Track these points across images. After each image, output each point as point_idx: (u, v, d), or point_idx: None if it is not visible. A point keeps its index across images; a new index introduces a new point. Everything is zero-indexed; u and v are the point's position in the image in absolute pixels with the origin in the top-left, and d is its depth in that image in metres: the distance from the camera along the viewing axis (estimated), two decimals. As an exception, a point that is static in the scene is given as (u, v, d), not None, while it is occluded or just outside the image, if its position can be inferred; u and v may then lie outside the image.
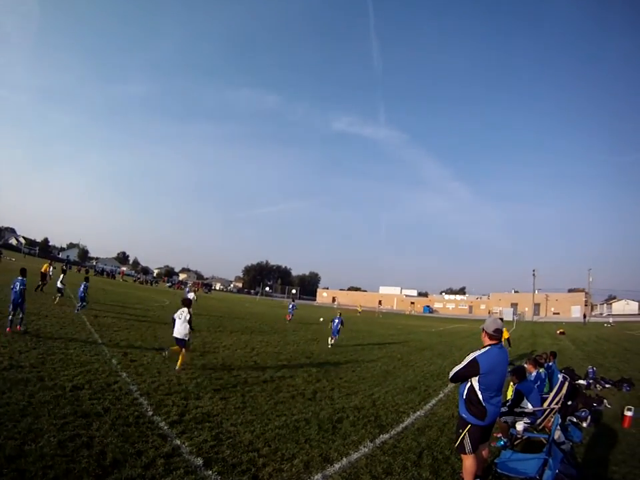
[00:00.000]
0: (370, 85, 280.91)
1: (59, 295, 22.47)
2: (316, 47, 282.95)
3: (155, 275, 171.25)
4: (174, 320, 11.42)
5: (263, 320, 31.88)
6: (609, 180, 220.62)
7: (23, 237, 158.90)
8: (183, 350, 11.19)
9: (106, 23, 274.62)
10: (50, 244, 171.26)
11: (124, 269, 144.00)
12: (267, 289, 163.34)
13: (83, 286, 20.55)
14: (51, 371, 8.83)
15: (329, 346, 19.03)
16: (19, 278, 13.55)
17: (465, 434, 5.12)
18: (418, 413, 9.08)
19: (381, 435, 7.31)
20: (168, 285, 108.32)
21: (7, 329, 12.53)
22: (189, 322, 11.36)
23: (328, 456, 6.13)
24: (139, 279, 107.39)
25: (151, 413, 7.10)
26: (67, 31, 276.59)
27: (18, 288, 13.37)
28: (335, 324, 20.26)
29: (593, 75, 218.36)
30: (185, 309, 11.57)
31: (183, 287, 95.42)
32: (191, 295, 26.94)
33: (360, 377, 12.56)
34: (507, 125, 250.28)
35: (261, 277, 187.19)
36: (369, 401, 9.72)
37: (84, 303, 20.20)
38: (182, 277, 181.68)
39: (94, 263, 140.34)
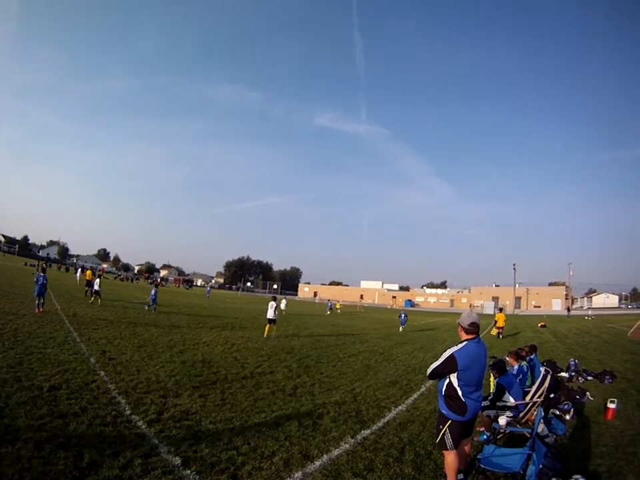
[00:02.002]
0: (352, 80, 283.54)
1: (97, 296, 26.57)
2: (297, 42, 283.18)
3: (136, 271, 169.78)
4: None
5: (244, 316, 31.83)
6: (588, 177, 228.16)
7: (2, 235, 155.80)
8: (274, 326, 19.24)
9: (84, 19, 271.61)
10: (30, 242, 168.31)
11: (104, 266, 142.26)
12: (249, 284, 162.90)
13: (153, 291, 26.47)
14: (29, 371, 8.71)
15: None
16: (41, 274, 18.74)
17: (445, 430, 5.11)
18: (400, 407, 9.09)
19: (362, 431, 7.30)
20: (149, 281, 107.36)
21: (36, 310, 17.68)
22: (275, 309, 19.93)
23: (308, 453, 6.11)
24: (119, 275, 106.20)
25: (128, 412, 7.04)
26: (45, 29, 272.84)
27: (41, 282, 18.28)
28: (403, 317, 31.53)
29: (576, 74, 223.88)
30: (274, 303, 19.92)
31: (164, 283, 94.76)
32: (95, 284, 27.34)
33: (341, 371, 12.59)
34: (488, 123, 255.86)
35: (242, 272, 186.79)
36: (350, 396, 9.73)
37: (155, 305, 26.14)
38: (163, 273, 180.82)
39: (74, 261, 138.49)
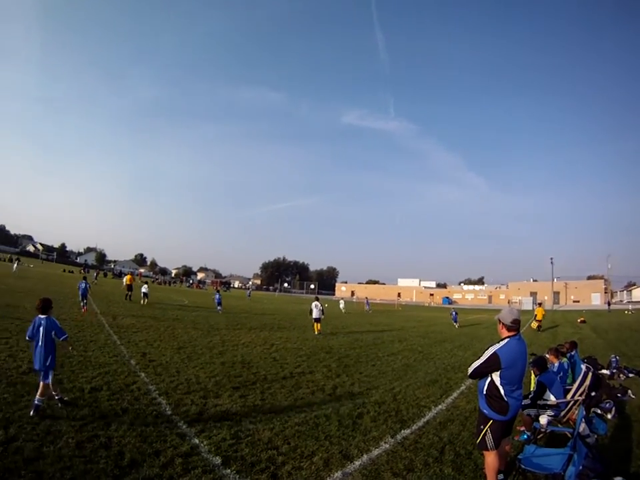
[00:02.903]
0: (377, 77, 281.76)
1: (146, 298, 30.01)
2: (318, 41, 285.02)
3: (173, 275, 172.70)
4: (311, 310, 22.08)
5: (282, 316, 32.06)
6: (625, 166, 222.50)
7: (40, 244, 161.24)
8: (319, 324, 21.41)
9: (110, 32, 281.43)
10: (67, 249, 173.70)
11: (142, 270, 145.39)
12: (285, 285, 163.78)
13: (217, 295, 31.10)
14: (70, 373, 9.01)
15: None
16: (83, 281, 22.72)
17: (486, 430, 5.02)
18: (439, 406, 8.99)
19: (402, 430, 7.25)
20: (186, 284, 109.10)
21: (83, 310, 20.58)
22: (322, 311, 22.22)
23: (348, 453, 6.10)
24: (157, 279, 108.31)
25: (169, 412, 7.19)
26: (71, 44, 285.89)
27: (84, 286, 22.24)
28: (454, 314, 33.97)
29: (600, 67, 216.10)
30: (318, 303, 22.21)
31: (201, 286, 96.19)
32: (144, 288, 30.83)
33: (380, 371, 12.52)
34: (519, 114, 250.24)
35: (279, 273, 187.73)
36: (389, 395, 9.67)
37: (220, 307, 30.46)
38: (200, 276, 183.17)
39: (112, 266, 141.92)
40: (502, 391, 4.94)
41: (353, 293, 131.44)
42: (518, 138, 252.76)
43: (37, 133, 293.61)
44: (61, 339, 7.10)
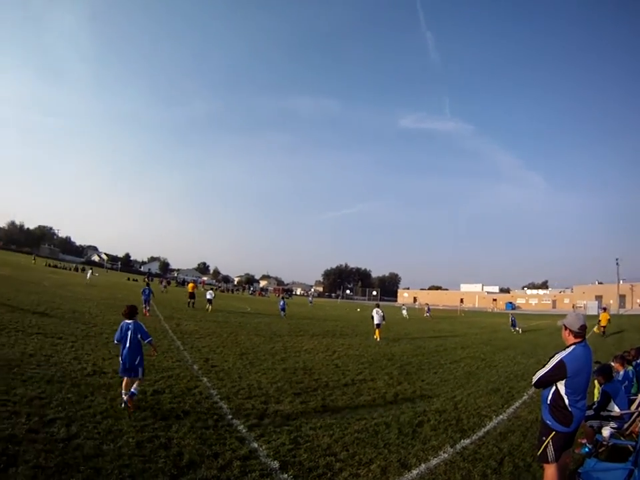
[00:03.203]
0: (430, 78, 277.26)
1: (210, 304, 31.23)
2: (368, 46, 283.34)
3: (235, 283, 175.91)
4: (372, 316, 22.51)
5: (344, 323, 32.00)
6: None
7: (105, 254, 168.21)
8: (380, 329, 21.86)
9: (162, 49, 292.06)
10: (131, 259, 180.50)
11: (205, 278, 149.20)
12: (348, 291, 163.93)
13: (282, 301, 33.71)
14: (133, 376, 9.17)
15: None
16: (146, 287, 25.06)
17: (548, 442, 4.78)
18: (501, 416, 8.71)
19: (462, 440, 7.05)
20: (249, 292, 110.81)
21: (145, 313, 22.47)
22: (383, 317, 22.70)
23: (406, 461, 5.95)
24: (219, 287, 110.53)
25: (230, 417, 7.23)
26: (124, 60, 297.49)
27: (147, 292, 24.48)
28: (513, 320, 33.90)
29: None
30: (379, 309, 22.54)
31: (263, 293, 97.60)
32: (209, 294, 32.80)
33: (442, 378, 12.28)
34: (578, 110, 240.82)
35: (341, 280, 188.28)
36: (450, 404, 9.44)
37: (284, 312, 32.52)
38: (262, 283, 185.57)
39: (175, 275, 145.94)
40: (566, 401, 4.71)
41: (415, 299, 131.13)
42: (579, 134, 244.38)
43: (101, 150, 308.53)
44: (146, 341, 7.68)
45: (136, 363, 7.42)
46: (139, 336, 7.56)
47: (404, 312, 49.55)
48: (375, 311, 22.67)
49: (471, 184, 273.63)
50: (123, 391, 7.18)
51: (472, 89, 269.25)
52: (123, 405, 7.07)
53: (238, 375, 10.45)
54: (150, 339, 7.74)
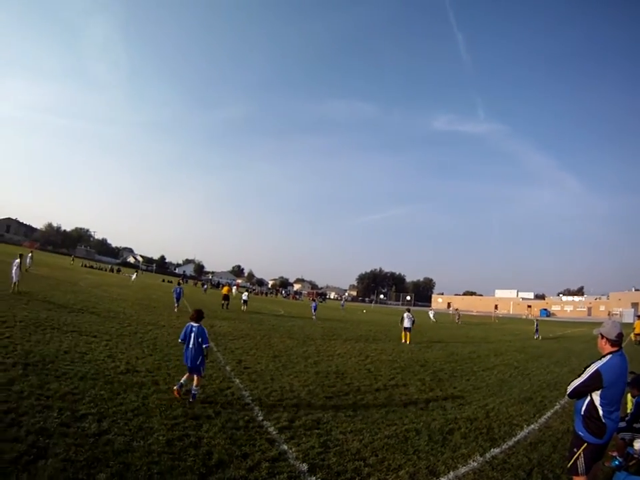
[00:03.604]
0: (462, 80, 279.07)
1: (245, 305, 33.76)
2: (399, 48, 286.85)
3: (269, 286, 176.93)
4: (402, 318, 23.17)
5: (377, 327, 31.85)
6: None
7: (140, 256, 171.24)
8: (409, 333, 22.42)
9: (198, 54, 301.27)
10: (166, 261, 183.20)
11: (239, 281, 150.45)
12: (382, 296, 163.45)
13: (314, 303, 37.42)
14: (166, 375, 9.35)
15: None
16: (178, 286, 27.51)
17: (580, 453, 4.69)
18: (532, 426, 8.58)
19: (492, 449, 6.97)
20: (283, 295, 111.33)
21: (175, 309, 25.26)
22: (413, 321, 23.33)
23: (435, 469, 5.91)
24: (254, 290, 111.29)
25: (261, 418, 7.26)
26: (161, 67, 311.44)
27: (178, 290, 26.74)
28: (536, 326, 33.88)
29: None
30: (409, 313, 23.19)
31: (297, 297, 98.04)
32: (244, 295, 35.51)
33: (474, 386, 12.16)
34: (612, 109, 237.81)
35: (375, 284, 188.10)
36: (482, 412, 9.34)
37: (315, 314, 35.52)
38: (296, 287, 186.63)
39: (210, 277, 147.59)
40: (601, 412, 4.61)
41: (449, 305, 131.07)
42: (615, 134, 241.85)
43: (138, 154, 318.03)
44: (204, 346, 8.15)
45: (198, 363, 8.03)
46: (200, 339, 8.09)
47: (432, 316, 52.64)
48: (405, 314, 23.35)
49: (505, 187, 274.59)
50: (186, 381, 8.05)
51: (504, 89, 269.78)
52: (190, 399, 7.76)
53: (270, 377, 10.50)
54: (207, 344, 8.21)
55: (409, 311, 24.00)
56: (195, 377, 8.00)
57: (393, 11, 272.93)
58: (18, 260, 21.74)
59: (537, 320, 36.30)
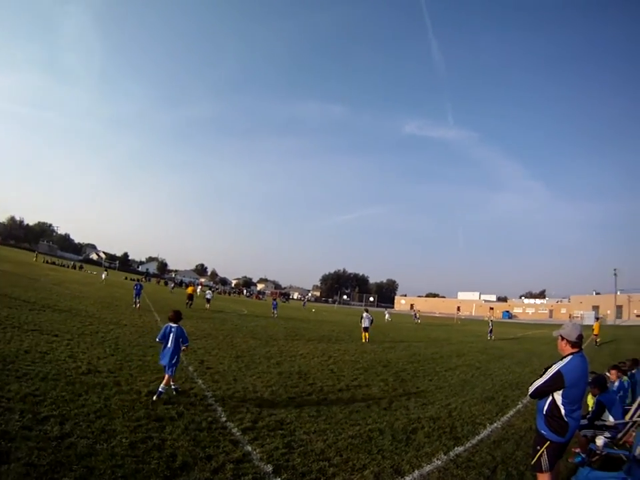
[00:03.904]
0: (434, 85, 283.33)
1: (208, 303, 36.18)
2: (373, 51, 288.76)
3: (233, 285, 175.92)
4: (362, 318, 24.20)
5: (340, 328, 32.01)
6: None
7: (103, 252, 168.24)
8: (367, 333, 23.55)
9: (167, 50, 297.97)
10: (129, 258, 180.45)
11: (202, 280, 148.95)
12: (345, 297, 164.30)
13: (274, 302, 40.27)
14: (128, 376, 9.26)
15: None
16: (137, 283, 28.50)
17: (543, 451, 4.87)
18: (495, 424, 8.80)
19: (456, 447, 7.13)
20: (246, 295, 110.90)
21: (136, 306, 26.06)
22: (372, 321, 24.54)
23: (399, 468, 6.01)
24: (217, 289, 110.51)
25: (224, 419, 7.28)
26: (129, 62, 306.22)
27: (138, 287, 27.23)
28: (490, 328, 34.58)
29: None
30: (367, 314, 24.50)
31: (261, 297, 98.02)
32: (208, 294, 38.75)
33: (437, 386, 12.37)
34: (580, 117, 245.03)
35: (339, 285, 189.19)
36: (445, 411, 9.52)
37: (276, 312, 37.87)
38: (260, 287, 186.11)
39: (173, 275, 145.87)
40: (562, 411, 4.80)
41: (412, 306, 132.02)
42: (580, 141, 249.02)
43: (98, 151, 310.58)
44: (184, 345, 8.85)
45: (173, 362, 8.41)
46: (181, 340, 8.68)
47: (387, 317, 56.68)
48: (364, 314, 24.62)
49: (472, 192, 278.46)
50: (160, 386, 8.14)
51: (475, 96, 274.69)
52: (174, 393, 8.41)
53: (233, 378, 10.49)
54: (187, 343, 8.97)
55: (367, 311, 25.45)
56: (166, 376, 8.22)
57: (367, 12, 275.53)
58: None
59: (491, 321, 37.32)
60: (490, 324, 35.70)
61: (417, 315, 65.85)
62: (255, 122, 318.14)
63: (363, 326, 24.19)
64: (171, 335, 8.56)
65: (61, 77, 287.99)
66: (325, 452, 6.31)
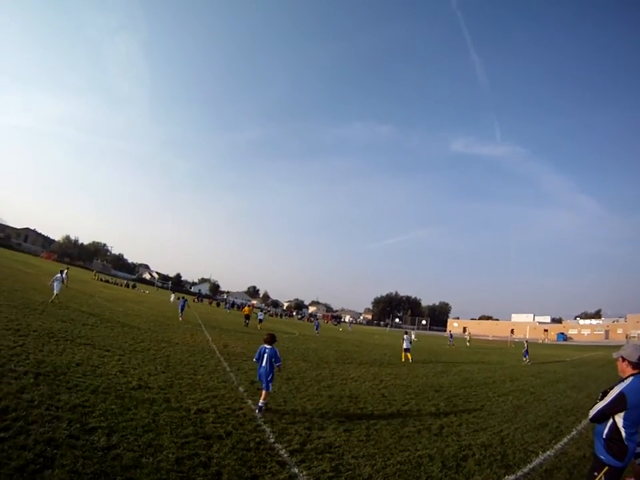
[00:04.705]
0: (480, 102, 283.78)
1: (259, 323, 39.53)
2: (418, 71, 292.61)
3: (284, 307, 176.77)
4: (403, 340, 25.72)
5: (392, 352, 31.50)
6: None
7: (156, 272, 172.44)
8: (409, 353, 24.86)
9: (216, 77, 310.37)
10: (182, 279, 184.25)
11: (254, 302, 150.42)
12: (397, 320, 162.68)
13: (317, 322, 48.77)
14: (178, 393, 9.31)
15: None
16: (182, 300, 33.02)
17: (600, 477, 4.67)
18: (547, 452, 8.41)
19: (506, 476, 6.87)
20: (298, 317, 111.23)
21: (181, 318, 29.93)
22: (411, 342, 25.98)
23: (448, 496, 5.79)
24: (268, 311, 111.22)
25: (272, 440, 7.20)
26: (179, 89, 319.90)
27: (182, 303, 31.89)
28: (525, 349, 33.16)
29: None
30: (407, 335, 26.05)
31: (312, 319, 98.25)
32: (260, 315, 42.67)
33: (489, 412, 11.99)
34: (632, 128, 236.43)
35: (391, 308, 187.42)
36: (497, 438, 9.19)
37: (318, 331, 44.11)
38: (311, 309, 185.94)
39: (225, 296, 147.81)
40: (623, 434, 4.62)
41: (464, 329, 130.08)
42: (635, 153, 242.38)
43: (152, 173, 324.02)
44: (277, 365, 9.54)
45: (268, 379, 9.31)
46: (273, 359, 9.49)
47: (413, 337, 54.42)
48: (404, 336, 26.27)
49: (522, 209, 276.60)
50: (260, 401, 9.14)
51: (522, 111, 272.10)
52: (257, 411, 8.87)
53: (283, 399, 10.44)
54: (279, 363, 9.61)
55: (406, 333, 27.30)
56: (263, 392, 9.19)
57: (409, 32, 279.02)
58: (59, 275, 24.51)
59: (526, 342, 35.54)
60: (525, 345, 34.38)
61: (469, 335, 66.24)
62: (305, 144, 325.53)
63: (404, 347, 25.55)
64: (265, 355, 9.50)
65: (113, 102, 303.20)
66: (373, 477, 6.17)
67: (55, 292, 23.27)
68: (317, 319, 59.50)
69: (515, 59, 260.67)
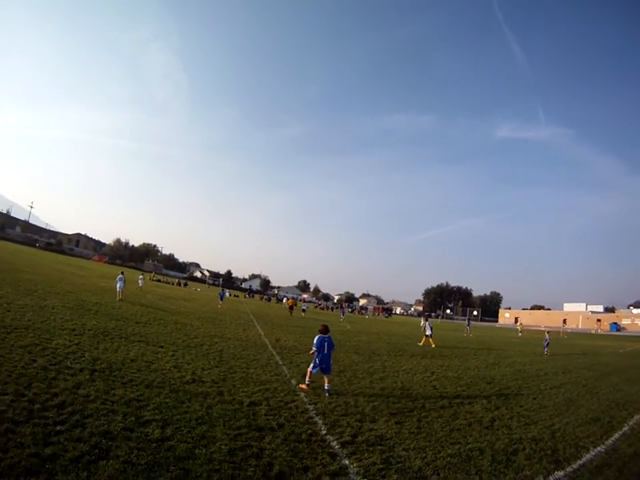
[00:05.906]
0: (521, 84, 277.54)
1: (304, 313, 47.02)
2: (456, 59, 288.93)
3: (335, 301, 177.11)
4: (424, 327, 28.18)
5: (443, 344, 31.17)
6: None
7: (207, 270, 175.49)
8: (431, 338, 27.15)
9: (257, 76, 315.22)
10: (233, 275, 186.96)
11: (305, 296, 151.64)
12: (448, 311, 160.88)
13: (342, 310, 58.70)
14: (231, 387, 9.50)
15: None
16: (222, 291, 44.95)
17: None
18: (598, 448, 8.29)
19: (556, 472, 6.79)
20: (349, 310, 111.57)
21: (220, 306, 38.57)
22: (432, 328, 28.01)
23: (497, 490, 5.75)
24: (319, 305, 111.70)
25: (324, 432, 7.29)
26: (218, 91, 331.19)
27: (222, 294, 42.55)
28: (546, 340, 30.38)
29: None
30: (428, 322, 28.64)
31: (363, 312, 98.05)
32: (304, 306, 52.33)
33: (541, 405, 11.83)
34: None
35: (442, 299, 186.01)
36: (548, 432, 9.07)
37: (343, 316, 52.05)
38: (362, 302, 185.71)
39: (275, 292, 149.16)
40: None
41: (516, 320, 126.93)
42: None
43: (201, 175, 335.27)
44: (331, 349, 10.83)
45: (330, 363, 10.69)
46: (332, 347, 10.86)
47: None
48: (426, 324, 28.92)
49: (571, 194, 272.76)
50: (326, 385, 10.39)
51: (566, 90, 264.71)
52: (327, 394, 10.02)
53: (335, 392, 10.47)
54: (333, 347, 10.98)
55: (427, 320, 30.90)
56: (326, 377, 10.42)
57: (445, 21, 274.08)
58: (121, 275, 27.42)
59: (547, 333, 33.15)
60: (546, 336, 31.60)
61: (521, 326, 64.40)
62: (347, 138, 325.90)
63: (426, 333, 28.16)
64: (325, 343, 10.59)
65: (157, 110, 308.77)
66: (423, 470, 6.18)
67: (118, 291, 26.44)
68: (342, 307, 69.72)
69: (553, 33, 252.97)
